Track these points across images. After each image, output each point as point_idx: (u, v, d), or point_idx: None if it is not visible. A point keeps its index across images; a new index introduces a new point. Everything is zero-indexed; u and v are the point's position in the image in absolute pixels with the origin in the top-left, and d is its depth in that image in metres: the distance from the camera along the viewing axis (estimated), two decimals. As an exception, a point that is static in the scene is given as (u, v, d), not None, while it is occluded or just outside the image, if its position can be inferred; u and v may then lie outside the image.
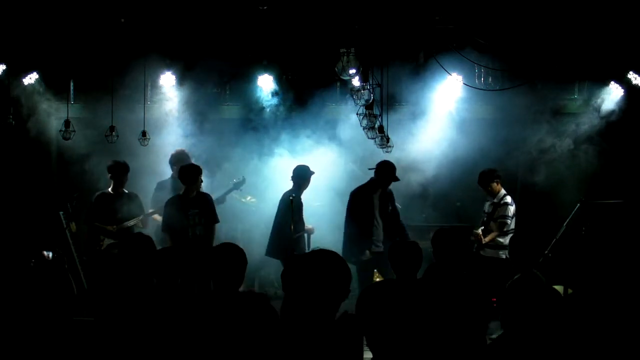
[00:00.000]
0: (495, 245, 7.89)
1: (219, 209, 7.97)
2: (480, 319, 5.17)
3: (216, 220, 7.75)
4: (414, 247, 5.16)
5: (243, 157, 9.44)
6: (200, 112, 9.82)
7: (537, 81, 8.83)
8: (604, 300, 6.71)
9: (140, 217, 8.14)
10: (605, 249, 8.15)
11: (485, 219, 8.11)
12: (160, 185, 8.63)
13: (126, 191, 8.18)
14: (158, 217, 8.22)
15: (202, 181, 7.79)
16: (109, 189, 8.13)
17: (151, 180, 8.94)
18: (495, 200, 8.01)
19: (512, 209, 7.94)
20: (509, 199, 7.99)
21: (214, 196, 8.01)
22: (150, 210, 8.28)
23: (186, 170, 7.68)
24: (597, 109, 9.21)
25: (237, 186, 8.78)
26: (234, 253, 4.08)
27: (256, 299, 3.78)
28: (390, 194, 7.94)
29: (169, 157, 8.76)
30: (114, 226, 7.95)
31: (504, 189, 8.09)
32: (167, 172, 8.85)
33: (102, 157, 8.73)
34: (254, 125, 9.76)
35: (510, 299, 5.11)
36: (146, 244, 4.71)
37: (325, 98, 9.61)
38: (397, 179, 7.79)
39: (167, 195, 8.01)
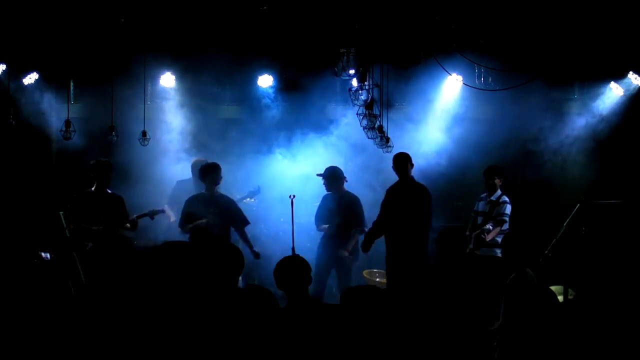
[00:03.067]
0: (490, 244, 7.88)
1: None
2: (479, 317, 5.18)
3: (246, 223, 7.72)
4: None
5: (242, 157, 9.46)
6: (200, 112, 9.84)
7: (537, 81, 8.81)
8: (604, 300, 6.72)
9: (134, 217, 7.95)
10: (605, 249, 8.15)
11: (479, 218, 8.09)
12: (180, 185, 8.61)
13: (109, 191, 7.80)
14: (169, 212, 8.30)
15: (221, 178, 7.70)
16: (92, 189, 7.75)
17: (150, 180, 8.97)
18: (492, 199, 8.01)
19: (509, 208, 7.95)
20: (507, 198, 8.00)
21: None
22: (136, 215, 8.02)
23: (206, 168, 7.72)
24: (597, 109, 9.21)
25: (252, 194, 8.91)
26: (231, 252, 4.13)
27: (261, 293, 3.79)
28: (414, 189, 7.63)
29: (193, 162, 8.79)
30: (99, 227, 7.64)
31: (501, 190, 8.11)
32: (178, 172, 8.90)
33: (102, 157, 8.71)
34: (253, 125, 9.76)
35: (509, 297, 5.13)
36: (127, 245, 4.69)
37: (325, 98, 9.61)
38: (395, 170, 7.66)
39: (186, 194, 7.94)
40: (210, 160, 8.82)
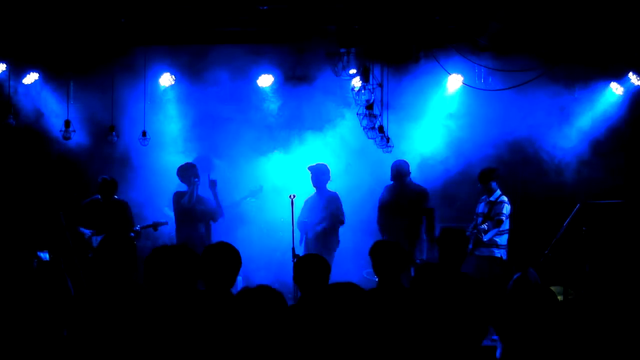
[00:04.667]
0: (488, 244, 7.87)
1: (234, 214, 8.13)
2: (480, 319, 5.17)
3: (215, 219, 7.93)
4: (395, 247, 5.12)
5: (242, 157, 9.45)
6: (199, 111, 9.84)
7: (537, 81, 8.81)
8: (604, 300, 6.72)
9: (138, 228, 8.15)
10: (605, 249, 8.15)
11: (479, 219, 8.10)
12: (178, 197, 8.65)
13: (116, 197, 8.19)
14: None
15: (197, 177, 7.87)
16: (98, 197, 8.16)
17: (150, 178, 8.99)
18: (491, 199, 8.02)
19: (508, 208, 7.94)
20: (505, 198, 8.01)
21: (229, 201, 8.16)
22: (140, 226, 8.24)
23: (179, 170, 7.98)
24: (597, 109, 9.21)
25: (254, 194, 8.95)
26: (228, 252, 4.12)
27: (271, 295, 3.76)
28: (409, 190, 8.12)
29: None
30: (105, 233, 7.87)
31: (500, 190, 8.12)
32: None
33: (102, 157, 8.74)
34: (253, 124, 9.76)
35: (512, 297, 5.12)
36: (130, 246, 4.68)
37: (325, 97, 9.60)
38: (393, 176, 8.10)
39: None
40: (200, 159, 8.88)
